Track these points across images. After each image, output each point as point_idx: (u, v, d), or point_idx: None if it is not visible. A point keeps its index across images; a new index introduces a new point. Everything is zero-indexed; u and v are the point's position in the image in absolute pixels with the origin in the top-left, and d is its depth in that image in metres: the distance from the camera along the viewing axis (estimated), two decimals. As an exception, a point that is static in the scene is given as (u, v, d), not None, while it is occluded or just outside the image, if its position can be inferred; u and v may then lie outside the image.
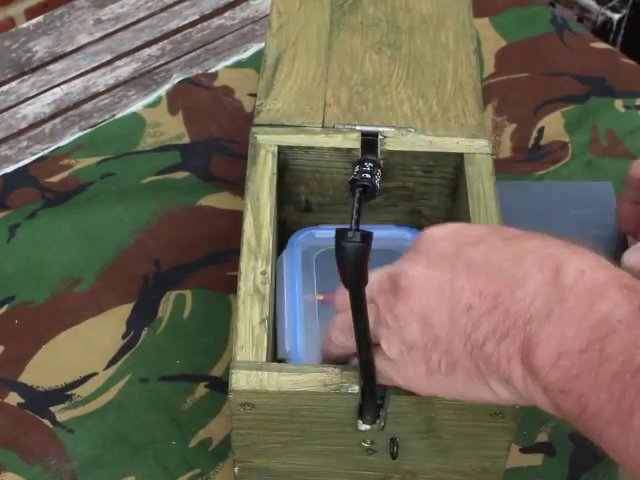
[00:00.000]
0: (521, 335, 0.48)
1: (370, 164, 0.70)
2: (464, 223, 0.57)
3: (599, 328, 0.46)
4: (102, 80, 1.00)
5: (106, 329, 0.80)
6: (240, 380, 0.59)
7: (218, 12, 1.07)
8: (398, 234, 0.74)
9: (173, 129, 0.95)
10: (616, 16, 1.25)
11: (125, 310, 0.81)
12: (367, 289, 0.52)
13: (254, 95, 0.85)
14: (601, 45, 1.04)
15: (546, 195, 0.84)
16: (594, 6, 1.25)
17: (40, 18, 1.06)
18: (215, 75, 1.00)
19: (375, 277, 0.56)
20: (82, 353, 0.78)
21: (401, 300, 0.53)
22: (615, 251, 0.61)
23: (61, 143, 0.94)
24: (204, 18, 1.07)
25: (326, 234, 0.72)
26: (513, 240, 0.52)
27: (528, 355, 0.48)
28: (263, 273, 0.64)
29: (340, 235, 0.50)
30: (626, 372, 0.44)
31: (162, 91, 0.98)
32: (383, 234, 0.71)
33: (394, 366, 0.55)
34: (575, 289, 0.47)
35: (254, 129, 0.73)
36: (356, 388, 0.58)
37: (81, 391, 0.76)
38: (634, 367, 0.44)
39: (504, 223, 0.64)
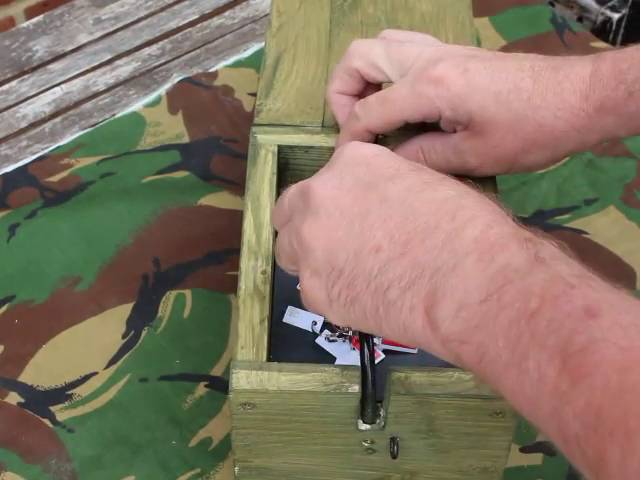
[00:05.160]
0: (427, 287, 0.48)
1: (370, 164, 0.70)
2: (387, 150, 0.55)
3: (497, 279, 0.46)
4: (102, 79, 1.00)
5: (106, 329, 0.80)
6: (240, 380, 0.59)
7: (218, 11, 1.07)
8: None
9: (173, 128, 0.95)
10: (616, 16, 1.25)
11: (125, 310, 0.81)
12: (280, 201, 0.53)
13: (254, 94, 0.85)
14: (601, 45, 1.04)
15: None
16: (594, 6, 1.25)
17: (40, 17, 1.06)
18: (215, 74, 1.00)
19: (290, 190, 0.56)
20: (82, 353, 0.78)
21: (307, 221, 0.53)
22: None
23: (61, 142, 0.94)
24: (204, 17, 1.07)
25: None
26: (431, 184, 0.52)
27: (432, 306, 0.48)
28: (263, 273, 0.64)
29: None
30: (521, 318, 0.44)
31: (162, 90, 0.98)
32: None
33: (303, 288, 0.54)
34: (480, 243, 0.48)
35: (254, 129, 0.73)
36: (356, 388, 0.58)
37: (81, 391, 0.76)
38: (528, 313, 0.44)
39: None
